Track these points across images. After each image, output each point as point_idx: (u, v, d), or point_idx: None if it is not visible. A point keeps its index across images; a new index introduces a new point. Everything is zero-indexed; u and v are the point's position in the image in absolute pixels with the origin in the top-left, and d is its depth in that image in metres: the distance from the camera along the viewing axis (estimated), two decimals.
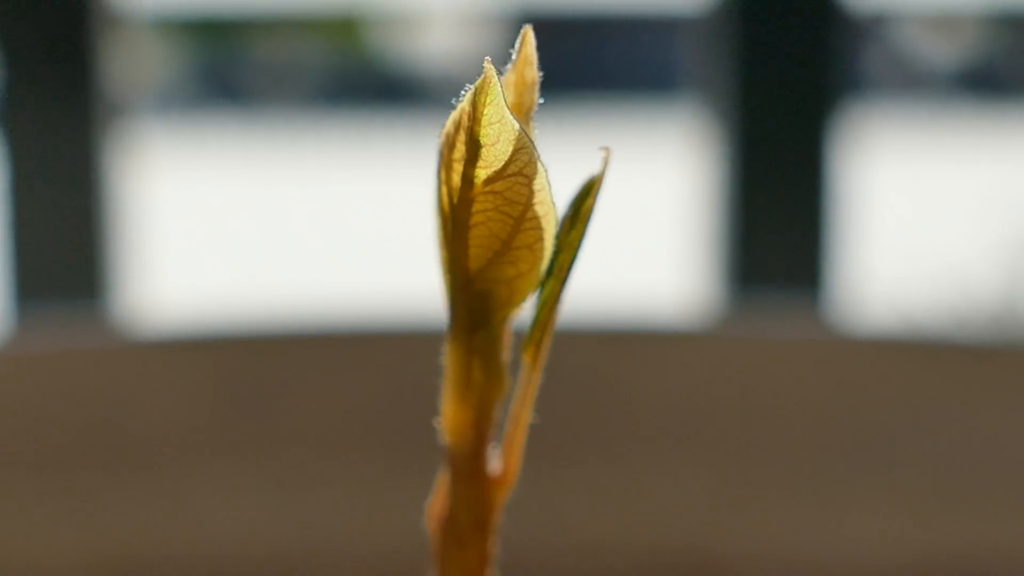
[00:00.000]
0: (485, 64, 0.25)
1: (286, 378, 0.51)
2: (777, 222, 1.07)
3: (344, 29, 6.79)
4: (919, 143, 4.95)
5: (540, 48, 0.27)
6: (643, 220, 3.56)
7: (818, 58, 1.07)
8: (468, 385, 0.27)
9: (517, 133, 0.25)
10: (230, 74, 6.62)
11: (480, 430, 0.27)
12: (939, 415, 0.51)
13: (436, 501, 0.27)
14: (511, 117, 0.25)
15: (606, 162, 0.26)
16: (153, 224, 1.41)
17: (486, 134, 0.25)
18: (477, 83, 0.25)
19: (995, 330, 1.80)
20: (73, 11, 1.03)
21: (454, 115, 0.25)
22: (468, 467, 0.27)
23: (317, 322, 0.54)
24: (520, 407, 0.27)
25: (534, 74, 0.26)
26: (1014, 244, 2.09)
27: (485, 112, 0.25)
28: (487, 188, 0.25)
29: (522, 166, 0.25)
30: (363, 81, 6.57)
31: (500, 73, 0.25)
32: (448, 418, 0.27)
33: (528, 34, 0.26)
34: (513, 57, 0.26)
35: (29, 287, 1.05)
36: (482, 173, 0.25)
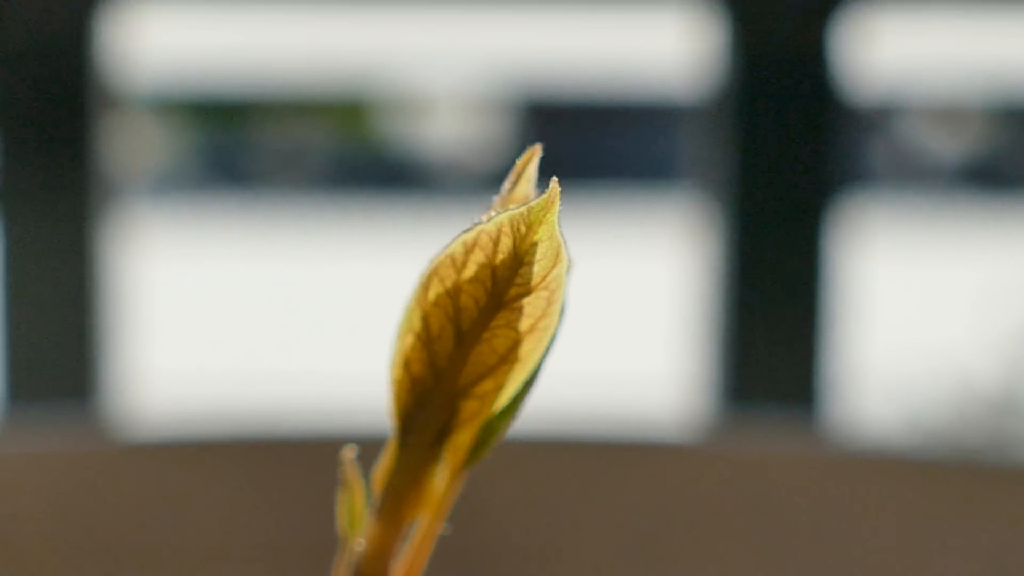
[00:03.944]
0: (552, 184, 0.23)
1: (278, 482, 0.51)
2: (774, 323, 1.07)
3: (350, 114, 6.83)
4: (920, 235, 4.95)
5: (541, 135, 0.26)
6: (637, 318, 3.55)
7: (817, 149, 1.07)
8: (404, 500, 0.25)
9: (561, 251, 0.24)
10: (234, 157, 6.65)
11: (396, 544, 0.25)
12: (934, 533, 0.50)
13: None
14: (560, 236, 0.24)
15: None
16: (149, 313, 1.41)
17: (531, 252, 0.24)
18: (536, 203, 0.23)
19: (995, 424, 1.79)
20: (70, 93, 1.03)
21: (467, 237, 0.24)
22: None
23: (311, 424, 0.53)
24: (432, 519, 0.25)
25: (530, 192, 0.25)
26: (1014, 338, 2.08)
27: (540, 231, 0.23)
28: (511, 305, 0.24)
29: (550, 281, 0.24)
30: (368, 165, 6.60)
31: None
32: (373, 534, 0.25)
33: (534, 156, 0.25)
34: (512, 175, 0.25)
35: (20, 382, 1.04)
36: (514, 291, 0.24)
